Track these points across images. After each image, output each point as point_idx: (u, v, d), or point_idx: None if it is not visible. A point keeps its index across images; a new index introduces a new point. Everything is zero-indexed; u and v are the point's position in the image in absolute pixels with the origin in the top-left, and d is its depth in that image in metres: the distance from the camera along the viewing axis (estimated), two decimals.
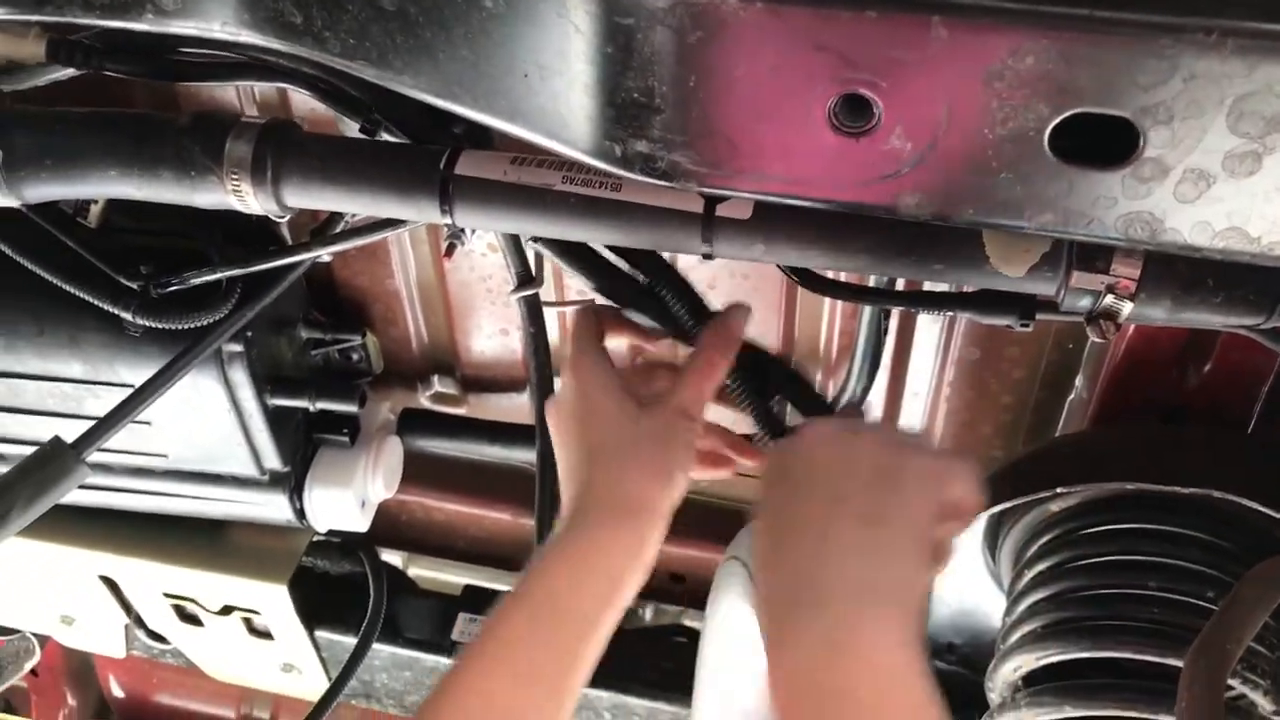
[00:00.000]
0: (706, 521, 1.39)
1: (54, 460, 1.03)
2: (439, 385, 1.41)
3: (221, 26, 0.76)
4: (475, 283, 1.30)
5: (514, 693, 0.72)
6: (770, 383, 0.92)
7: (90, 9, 0.77)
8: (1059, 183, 0.59)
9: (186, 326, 1.09)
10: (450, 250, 1.08)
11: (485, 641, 0.75)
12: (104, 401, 1.19)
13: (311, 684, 1.51)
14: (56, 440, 1.03)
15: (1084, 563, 1.03)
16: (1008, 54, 0.55)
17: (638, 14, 0.58)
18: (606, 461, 0.80)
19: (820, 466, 0.73)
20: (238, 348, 1.14)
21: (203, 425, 1.21)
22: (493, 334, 1.35)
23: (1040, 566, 1.09)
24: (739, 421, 0.92)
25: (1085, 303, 0.78)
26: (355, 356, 1.33)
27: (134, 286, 1.09)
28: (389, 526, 1.56)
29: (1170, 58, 0.53)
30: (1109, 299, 0.77)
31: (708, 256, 0.82)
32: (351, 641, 1.42)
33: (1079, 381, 1.16)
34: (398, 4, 0.67)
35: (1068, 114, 0.56)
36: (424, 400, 1.42)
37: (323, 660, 1.47)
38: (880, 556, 0.68)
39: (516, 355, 1.37)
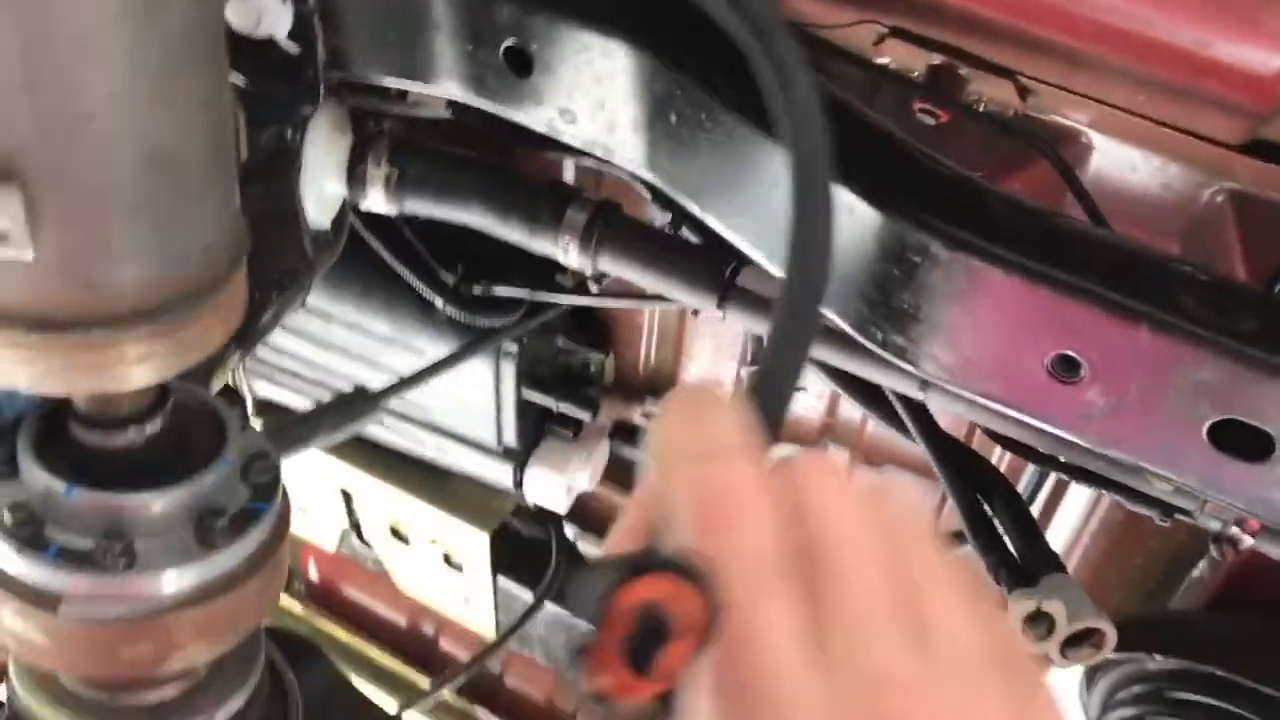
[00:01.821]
0: None
1: (359, 403, 1.29)
2: (651, 406, 1.64)
3: (601, 147, 0.98)
4: (709, 335, 1.52)
5: None
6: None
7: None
8: (1208, 460, 0.77)
9: (482, 324, 1.34)
10: (697, 312, 1.30)
11: None
12: (396, 358, 1.46)
13: (480, 618, 1.78)
14: (363, 389, 1.30)
15: None
16: (1192, 365, 0.73)
17: (925, 255, 0.79)
18: None
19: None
20: (513, 348, 1.39)
21: (466, 397, 1.46)
22: (708, 379, 1.58)
23: (1125, 712, 1.26)
24: None
25: (1215, 525, 0.96)
26: (592, 368, 1.57)
27: (449, 281, 1.35)
28: (578, 507, 1.80)
29: None
30: (1234, 529, 0.95)
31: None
32: (524, 594, 1.68)
33: (1203, 565, 1.31)
34: (731, 177, 0.89)
35: (1224, 417, 0.74)
36: (637, 416, 1.65)
37: (497, 603, 1.73)
38: None
39: None
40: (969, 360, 0.81)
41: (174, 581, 0.69)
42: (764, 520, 0.40)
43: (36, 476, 0.66)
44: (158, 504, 0.68)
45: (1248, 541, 0.94)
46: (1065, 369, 0.78)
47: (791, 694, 0.36)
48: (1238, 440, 0.75)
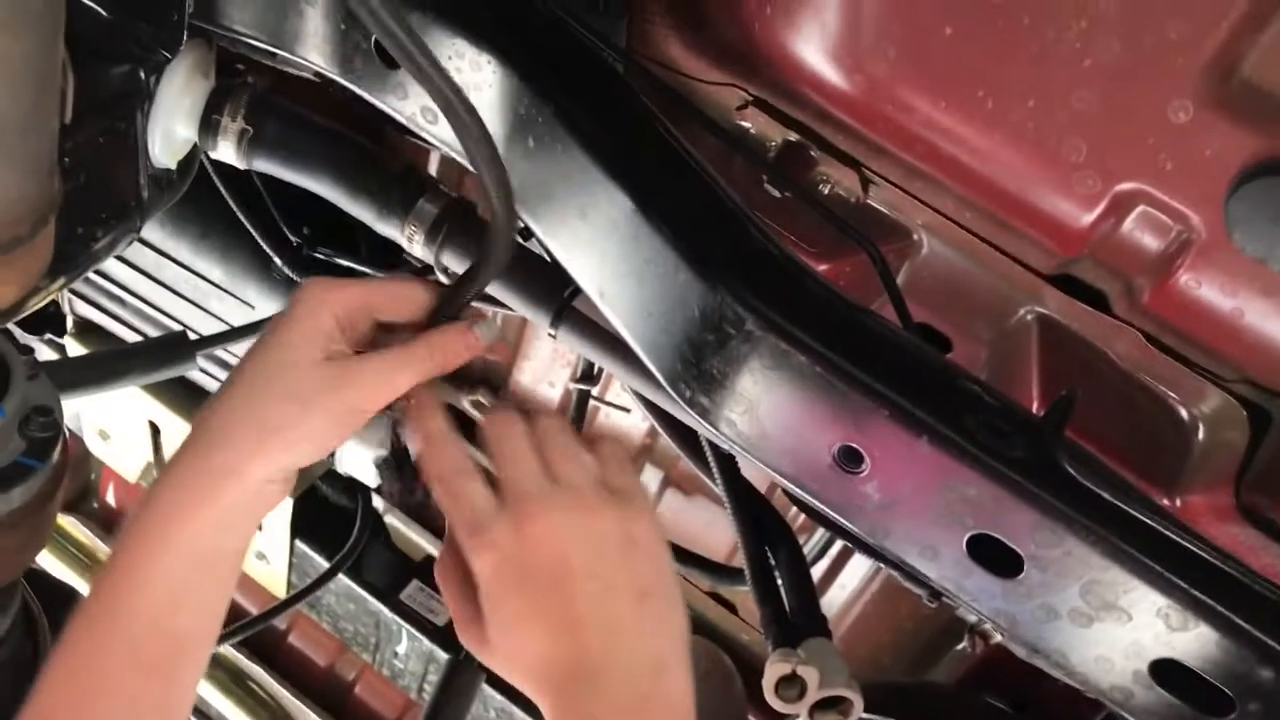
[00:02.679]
0: None
1: (176, 349, 1.26)
2: (481, 395, 1.65)
3: (458, 151, 0.98)
4: (547, 339, 1.53)
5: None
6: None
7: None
8: (962, 568, 0.81)
9: None
10: None
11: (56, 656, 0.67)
12: (226, 305, 1.43)
13: (273, 575, 1.75)
14: (183, 335, 1.27)
15: None
16: (961, 481, 0.77)
17: (738, 329, 0.81)
18: (224, 409, 0.72)
19: (569, 555, 0.70)
20: None
21: None
22: (541, 381, 1.59)
23: None
24: None
25: (972, 617, 1.02)
26: None
27: (293, 240, 1.33)
28: None
29: (1061, 536, 0.76)
30: (988, 623, 1.00)
31: None
32: (320, 561, 1.66)
33: (965, 642, 1.39)
34: (576, 211, 0.90)
35: (983, 532, 0.79)
36: (464, 403, 1.65)
37: (292, 564, 1.71)
38: (661, 624, 0.71)
39: (551, 404, 1.61)
40: (763, 433, 0.84)
41: None
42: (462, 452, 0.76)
43: None
44: None
45: (997, 638, 1.00)
46: (849, 459, 0.82)
47: (482, 513, 0.70)
48: (992, 555, 0.80)
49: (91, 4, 0.94)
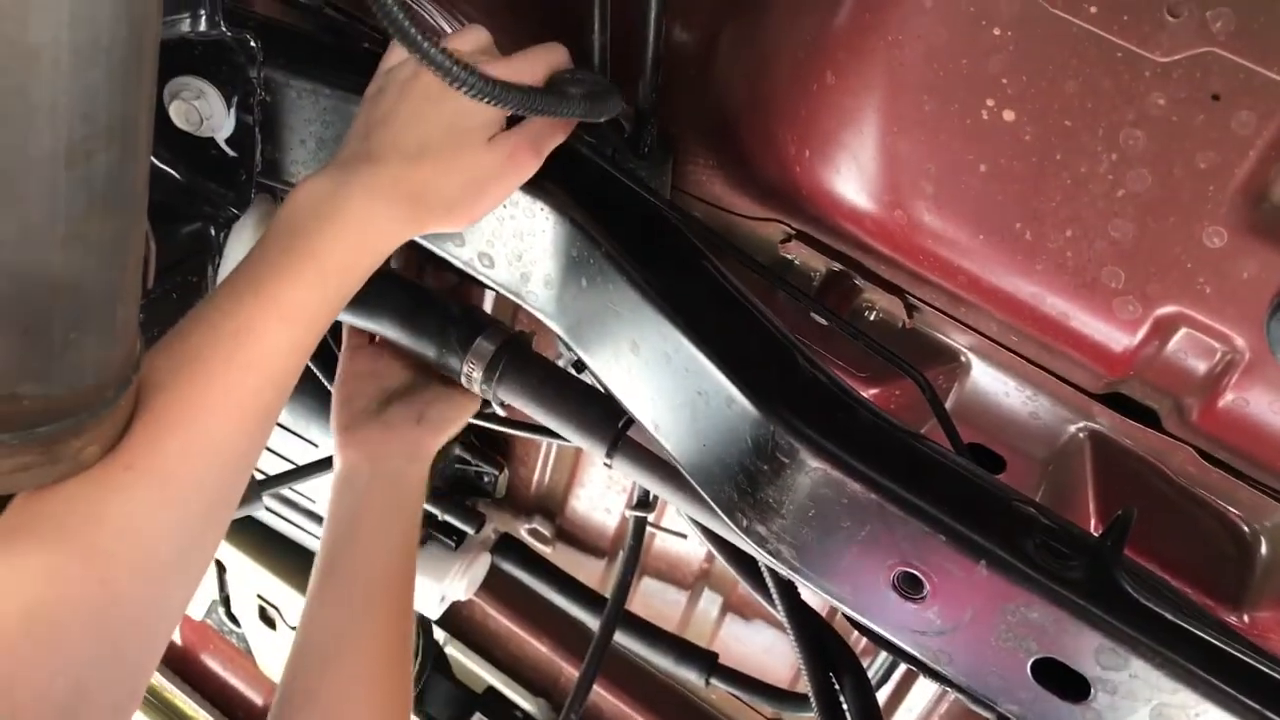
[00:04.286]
0: None
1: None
2: (538, 524, 1.66)
3: (514, 293, 1.02)
4: (602, 466, 1.55)
5: None
6: None
7: None
8: (1029, 693, 0.81)
9: None
10: None
11: None
12: (290, 444, 1.46)
13: None
14: (250, 477, 1.30)
15: None
16: (1022, 604, 0.78)
17: (792, 459, 0.83)
18: None
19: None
20: None
21: None
22: (597, 508, 1.60)
23: None
24: None
25: None
26: (485, 480, 1.59)
27: None
28: (449, 612, 1.80)
29: (1126, 658, 0.76)
30: None
31: None
32: None
33: None
34: (629, 348, 0.93)
35: (1047, 656, 0.78)
36: (522, 531, 1.67)
37: None
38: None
39: (607, 531, 1.62)
40: (821, 561, 0.85)
41: None
42: None
43: None
44: None
45: None
46: (909, 585, 0.82)
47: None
48: (1059, 678, 0.80)
49: (167, 169, 1.00)
